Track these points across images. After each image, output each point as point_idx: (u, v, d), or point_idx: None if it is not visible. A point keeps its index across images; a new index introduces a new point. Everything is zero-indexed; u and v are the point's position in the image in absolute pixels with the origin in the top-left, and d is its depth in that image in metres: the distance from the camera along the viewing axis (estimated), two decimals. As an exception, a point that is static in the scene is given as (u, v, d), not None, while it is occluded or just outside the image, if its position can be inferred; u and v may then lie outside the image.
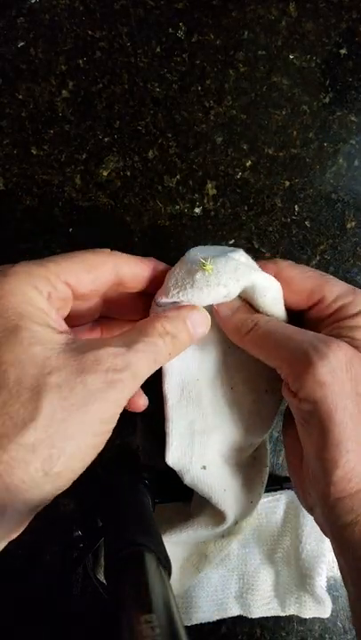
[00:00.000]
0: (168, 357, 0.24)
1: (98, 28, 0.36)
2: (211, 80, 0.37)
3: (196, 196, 0.37)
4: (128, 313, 0.30)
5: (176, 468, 0.30)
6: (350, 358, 0.24)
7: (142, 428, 0.37)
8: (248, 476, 0.32)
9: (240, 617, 0.36)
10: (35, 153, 0.37)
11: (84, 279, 0.24)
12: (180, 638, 0.19)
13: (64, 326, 0.24)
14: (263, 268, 0.27)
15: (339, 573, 0.33)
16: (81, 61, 0.36)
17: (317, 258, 0.38)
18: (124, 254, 0.26)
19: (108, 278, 0.25)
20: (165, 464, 0.30)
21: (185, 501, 0.36)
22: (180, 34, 0.37)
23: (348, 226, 0.38)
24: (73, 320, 0.27)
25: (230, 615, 0.36)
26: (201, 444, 0.30)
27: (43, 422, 0.19)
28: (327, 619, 0.37)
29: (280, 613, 0.36)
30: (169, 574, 0.26)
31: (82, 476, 0.21)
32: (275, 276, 0.27)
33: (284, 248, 0.38)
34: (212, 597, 0.36)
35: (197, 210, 0.38)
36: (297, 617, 0.37)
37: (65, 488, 0.21)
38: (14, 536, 0.21)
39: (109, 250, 0.26)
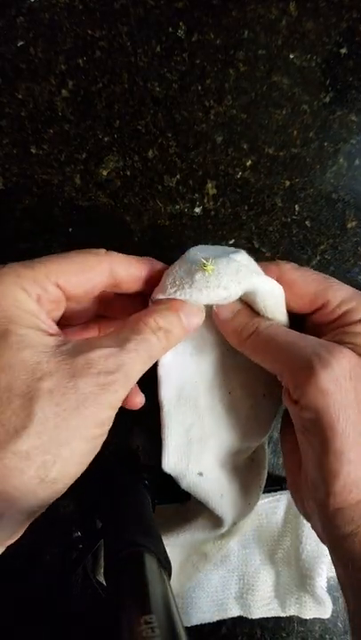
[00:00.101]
0: (163, 352, 0.24)
1: (98, 27, 0.36)
2: (211, 79, 0.37)
3: (196, 195, 0.37)
4: (125, 313, 0.30)
5: (172, 474, 0.30)
6: (354, 366, 0.23)
7: (142, 428, 0.37)
8: (246, 479, 0.32)
9: (240, 617, 0.36)
10: (34, 152, 0.37)
11: (77, 280, 0.24)
12: (180, 639, 0.19)
13: (55, 328, 0.23)
14: (265, 271, 0.26)
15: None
16: (81, 61, 0.36)
17: (318, 258, 0.38)
18: (120, 254, 0.25)
19: (103, 279, 0.25)
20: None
21: (184, 502, 0.36)
22: (181, 33, 0.36)
23: (349, 225, 0.38)
24: (69, 320, 0.27)
25: (230, 616, 0.36)
26: (197, 451, 0.30)
27: (35, 429, 0.19)
28: (328, 619, 0.37)
29: (280, 614, 0.36)
30: (169, 575, 0.26)
31: (81, 476, 0.21)
32: (277, 279, 0.26)
33: (284, 248, 0.38)
34: (212, 598, 0.36)
35: (197, 209, 0.37)
36: (297, 617, 0.37)
37: (62, 493, 0.21)
38: (11, 542, 0.21)
39: (105, 250, 0.25)
